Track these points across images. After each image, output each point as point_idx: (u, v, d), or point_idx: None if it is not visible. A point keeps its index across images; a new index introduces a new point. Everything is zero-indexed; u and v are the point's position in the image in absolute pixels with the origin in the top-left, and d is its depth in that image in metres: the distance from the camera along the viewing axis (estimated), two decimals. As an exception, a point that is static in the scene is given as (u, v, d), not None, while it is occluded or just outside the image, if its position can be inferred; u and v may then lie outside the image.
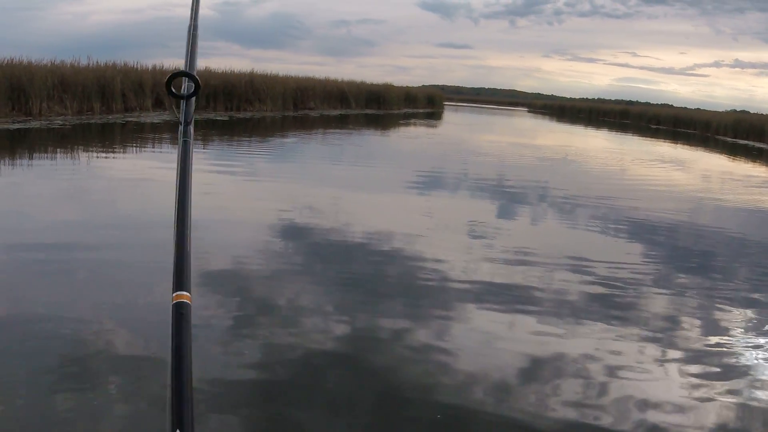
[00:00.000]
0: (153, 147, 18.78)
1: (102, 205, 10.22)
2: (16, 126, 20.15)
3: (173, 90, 1.94)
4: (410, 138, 30.96)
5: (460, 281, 7.14)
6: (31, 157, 15.23)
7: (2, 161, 14.44)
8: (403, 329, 5.75)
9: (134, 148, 18.13)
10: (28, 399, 4.25)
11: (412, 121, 43.21)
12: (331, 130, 29.87)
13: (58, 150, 16.87)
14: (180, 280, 1.44)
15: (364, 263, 7.81)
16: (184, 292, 1.41)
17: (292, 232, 9.02)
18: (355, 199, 12.39)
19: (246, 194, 12.15)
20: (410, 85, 64.31)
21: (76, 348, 4.95)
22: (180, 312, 1.36)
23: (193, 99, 2.00)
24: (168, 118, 26.55)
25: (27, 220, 8.91)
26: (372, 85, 50.98)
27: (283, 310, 6.07)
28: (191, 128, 1.94)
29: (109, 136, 20.80)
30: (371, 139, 28.14)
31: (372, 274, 7.40)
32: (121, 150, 17.47)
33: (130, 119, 25.07)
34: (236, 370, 4.78)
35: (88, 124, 22.57)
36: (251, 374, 4.76)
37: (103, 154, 16.24)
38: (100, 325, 5.45)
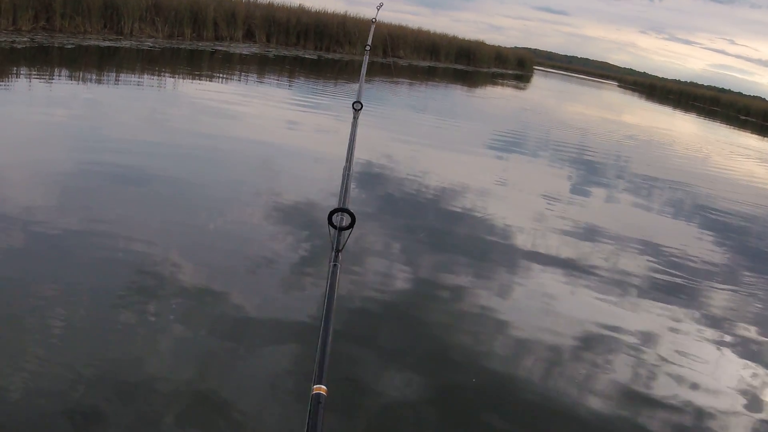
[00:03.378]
0: (239, 79, 18.71)
1: (182, 132, 10.16)
2: (107, 44, 20.26)
3: (333, 222, 2.38)
4: (496, 98, 30.49)
5: (525, 247, 7.02)
6: (117, 77, 15.27)
7: (89, 77, 14.52)
8: (462, 288, 5.67)
9: (221, 78, 18.04)
10: (90, 310, 4.25)
11: (500, 81, 42.65)
12: (418, 81, 29.52)
13: (146, 72, 16.90)
14: (320, 374, 1.62)
15: (433, 218, 7.69)
16: (322, 386, 1.58)
17: (367, 179, 8.82)
18: (432, 153, 12.18)
19: (319, 138, 12.00)
20: (502, 45, 63.29)
21: (141, 267, 4.92)
22: (317, 402, 1.53)
23: (347, 231, 2.38)
24: (257, 51, 26.52)
25: (106, 138, 8.90)
26: (463, 40, 50.29)
27: (351, 253, 5.92)
28: (341, 255, 2.26)
29: (197, 63, 20.82)
30: (456, 95, 27.74)
31: (439, 229, 7.30)
32: (208, 78, 17.40)
33: (219, 48, 25.07)
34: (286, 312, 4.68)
35: (177, 49, 22.63)
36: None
37: (190, 81, 16.21)
38: (168, 248, 5.42)
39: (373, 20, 8.65)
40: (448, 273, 5.94)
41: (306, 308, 4.76)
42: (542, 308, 5.52)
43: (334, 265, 2.20)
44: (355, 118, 4.45)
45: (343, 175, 3.19)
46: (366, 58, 6.31)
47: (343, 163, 3.26)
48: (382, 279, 5.53)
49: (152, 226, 5.93)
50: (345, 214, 2.39)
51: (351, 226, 2.35)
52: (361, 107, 4.58)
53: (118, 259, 5.08)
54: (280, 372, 3.93)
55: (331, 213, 2.37)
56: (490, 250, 6.77)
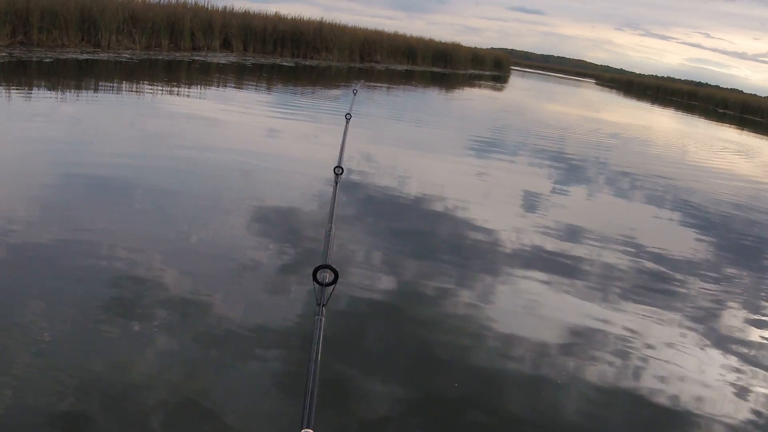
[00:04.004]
0: (218, 87, 18.77)
1: (162, 142, 10.21)
2: (85, 56, 20.29)
3: (317, 278, 2.58)
4: (473, 100, 30.63)
5: (507, 249, 7.02)
6: (96, 89, 15.31)
7: (68, 90, 14.56)
8: (446, 289, 5.70)
9: (199, 88, 18.11)
10: (74, 321, 4.27)
11: (478, 82, 42.83)
12: (395, 85, 29.65)
13: (124, 83, 16.95)
14: (309, 418, 1.76)
15: (416, 220, 7.73)
16: (310, 430, 1.72)
17: (349, 184, 8.92)
18: (411, 157, 12.22)
19: (303, 145, 12.09)
20: (479, 46, 63.57)
21: (125, 278, 4.94)
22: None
23: (332, 287, 2.55)
24: (234, 60, 26.56)
25: (87, 150, 8.95)
26: (440, 43, 50.53)
27: (333, 261, 6.00)
28: (324, 309, 2.42)
29: (175, 74, 20.85)
30: (434, 97, 27.88)
31: (422, 232, 7.32)
32: (186, 88, 17.46)
33: (197, 58, 25.11)
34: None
35: (155, 60, 22.67)
36: (287, 320, 4.72)
37: (168, 92, 16.25)
38: (151, 258, 5.44)
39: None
40: (430, 277, 5.96)
41: (290, 316, 4.78)
42: (525, 310, 5.53)
43: (319, 318, 2.34)
44: (337, 182, 4.58)
45: (326, 234, 3.45)
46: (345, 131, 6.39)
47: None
48: (365, 283, 5.56)
49: (134, 236, 5.94)
50: (328, 270, 2.55)
51: (335, 281, 2.53)
52: (342, 172, 4.70)
53: (101, 269, 5.09)
54: (266, 382, 3.94)
55: (316, 270, 2.53)
56: (472, 253, 6.80)
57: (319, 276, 2.59)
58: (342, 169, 4.60)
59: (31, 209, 6.37)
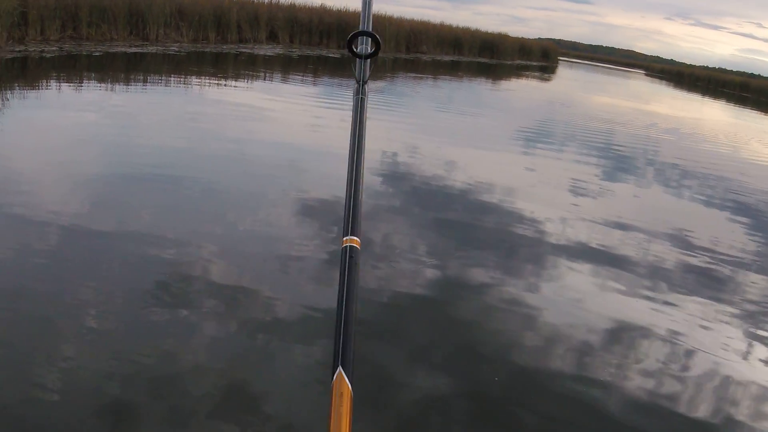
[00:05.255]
0: (264, 79, 18.86)
1: (210, 134, 10.28)
2: (134, 50, 20.49)
3: (354, 48, 2.04)
4: (520, 91, 30.42)
5: (554, 241, 6.97)
6: (145, 81, 15.48)
7: (118, 83, 14.72)
8: (490, 281, 5.67)
9: (246, 79, 18.20)
10: (122, 309, 4.35)
11: (525, 73, 42.47)
12: (442, 76, 29.54)
13: (172, 76, 17.11)
14: (351, 226, 1.53)
15: (461, 211, 7.71)
16: (354, 237, 1.50)
17: (395, 174, 8.91)
18: (458, 148, 12.19)
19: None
20: (526, 36, 62.98)
21: (173, 268, 5.01)
22: (350, 256, 1.46)
23: (370, 60, 2.06)
24: (280, 52, 26.67)
25: (136, 141, 9.04)
26: (486, 33, 50.12)
27: (378, 248, 6.02)
28: (366, 87, 2.01)
29: (222, 66, 20.97)
30: (480, 88, 27.72)
31: (467, 223, 7.28)
32: (233, 80, 17.56)
33: (243, 50, 25.23)
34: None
35: (202, 53, 22.83)
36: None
37: (216, 84, 16.36)
38: (199, 248, 5.51)
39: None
40: (474, 268, 5.93)
41: (335, 303, 4.79)
42: (570, 304, 5.47)
43: (360, 99, 1.98)
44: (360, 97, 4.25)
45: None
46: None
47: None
48: (409, 273, 5.57)
49: (182, 226, 6.03)
50: (366, 37, 2.04)
51: (375, 53, 2.04)
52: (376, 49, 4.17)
53: (150, 257, 5.18)
54: (311, 367, 3.98)
55: (352, 37, 2.03)
56: (518, 244, 6.76)
57: (357, 46, 2.03)
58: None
59: (82, 198, 6.48)
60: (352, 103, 1.96)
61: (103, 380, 3.56)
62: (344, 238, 1.51)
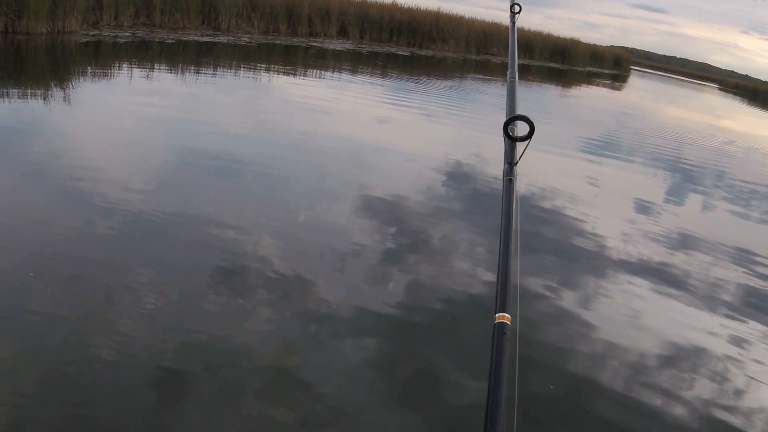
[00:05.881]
0: (333, 73, 18.86)
1: (276, 125, 10.32)
2: (205, 39, 20.68)
3: (509, 132, 2.12)
4: (590, 98, 30.03)
5: (614, 253, 6.83)
6: (215, 70, 15.60)
7: (188, 70, 14.84)
8: (548, 288, 5.60)
9: (315, 73, 18.23)
10: (180, 290, 4.42)
11: (596, 80, 41.97)
12: (511, 79, 29.20)
13: (242, 66, 17.21)
14: (503, 303, 1.58)
15: (522, 216, 7.48)
16: (506, 314, 1.55)
17: (460, 175, 8.80)
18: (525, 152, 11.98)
19: (413, 136, 12.01)
20: (598, 43, 62.19)
21: (232, 253, 5.06)
22: (502, 332, 1.51)
23: (525, 143, 2.09)
24: (350, 48, 26.69)
25: (203, 128, 9.09)
26: (558, 38, 49.61)
27: (435, 253, 5.98)
28: (516, 168, 2.07)
29: (292, 59, 21.05)
30: (550, 94, 27.40)
31: (527, 229, 7.16)
32: (302, 73, 17.60)
33: (313, 44, 25.31)
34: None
35: (272, 45, 22.95)
36: (391, 310, 4.69)
37: (284, 76, 16.44)
38: (258, 235, 5.58)
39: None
40: (532, 274, 5.87)
41: (389, 302, 4.81)
42: (627, 318, 5.38)
43: (509, 180, 2.01)
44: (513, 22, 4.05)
45: (508, 83, 2.79)
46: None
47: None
48: (468, 275, 5.54)
49: (244, 213, 6.09)
50: (522, 121, 2.08)
51: (528, 137, 2.06)
52: (520, 9, 4.14)
53: (211, 242, 5.24)
54: (360, 362, 3.99)
55: (507, 122, 2.11)
56: (577, 254, 6.67)
57: (510, 129, 2.11)
58: (519, 6, 4.01)
59: (148, 179, 6.59)
60: (502, 184, 2.01)
61: (156, 353, 3.65)
62: (496, 315, 1.55)
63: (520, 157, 2.11)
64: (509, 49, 3.13)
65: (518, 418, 1.48)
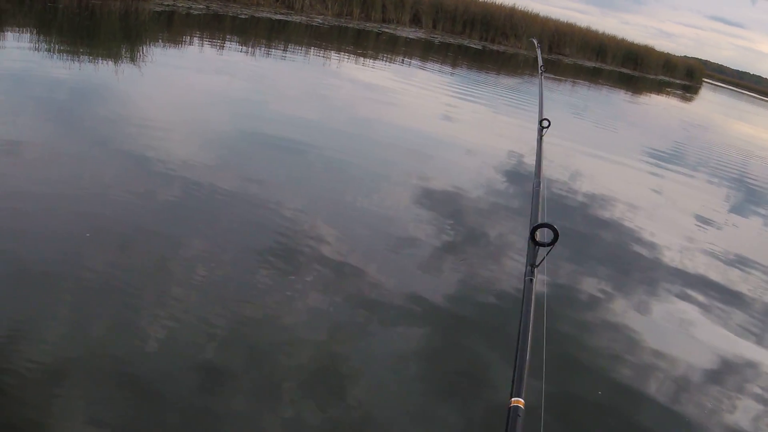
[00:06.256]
0: (403, 61, 18.81)
1: (340, 108, 10.37)
2: (279, 17, 20.77)
3: (536, 237, 2.26)
4: (659, 107, 29.54)
5: (669, 266, 6.69)
6: (285, 49, 15.64)
7: (258, 47, 14.90)
8: (600, 296, 5.52)
9: (384, 59, 18.19)
10: (232, 268, 4.44)
11: (666, 89, 41.29)
12: (581, 81, 28.95)
13: (312, 47, 17.23)
14: (518, 388, 1.68)
15: (579, 221, 7.52)
16: (520, 399, 1.63)
17: (515, 174, 8.71)
18: (586, 154, 11.88)
19: (478, 130, 11.91)
20: (671, 52, 61.11)
21: (286, 233, 5.07)
22: (516, 415, 1.59)
23: (548, 248, 2.23)
24: (422, 36, 26.60)
25: (266, 106, 9.13)
26: (632, 44, 48.89)
27: (489, 249, 5.95)
28: (536, 271, 2.25)
29: (363, 43, 21.06)
30: (619, 99, 27.01)
31: (583, 234, 7.11)
32: (372, 58, 17.58)
33: (385, 30, 25.30)
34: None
35: (345, 28, 22.98)
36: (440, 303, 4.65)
37: (354, 60, 16.42)
38: (314, 218, 5.59)
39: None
40: (586, 278, 5.81)
41: (439, 294, 4.78)
42: (677, 332, 5.29)
43: (530, 280, 2.17)
44: (541, 137, 4.37)
45: (533, 191, 3.17)
46: (540, 81, 5.98)
47: (533, 179, 3.14)
48: (517, 270, 5.44)
49: (301, 194, 6.11)
50: (547, 229, 2.24)
51: (552, 243, 2.21)
52: (549, 125, 4.46)
53: (267, 221, 5.27)
54: (407, 353, 3.97)
55: (535, 227, 2.27)
56: (632, 264, 6.57)
57: (537, 234, 2.26)
58: (549, 122, 4.36)
59: (209, 155, 6.66)
60: (523, 285, 2.18)
61: (204, 324, 3.70)
62: (512, 399, 1.65)
63: (542, 261, 2.28)
64: (535, 161, 3.67)
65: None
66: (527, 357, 1.82)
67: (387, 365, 3.79)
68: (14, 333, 3.30)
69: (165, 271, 4.21)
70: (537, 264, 2.25)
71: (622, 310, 5.35)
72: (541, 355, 2.10)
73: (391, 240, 5.54)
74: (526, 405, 1.61)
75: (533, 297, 2.08)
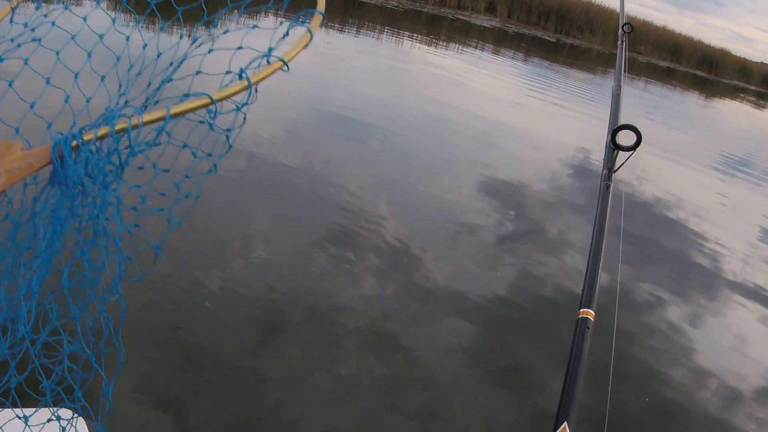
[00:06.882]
0: (475, 49, 18.74)
1: (409, 93, 10.38)
2: (355, -4, 20.83)
3: (616, 140, 2.16)
4: (732, 113, 28.97)
5: (730, 277, 6.58)
6: (358, 30, 15.69)
7: (331, 27, 14.95)
8: (657, 299, 5.46)
9: (457, 46, 18.14)
10: (293, 242, 4.53)
11: (740, 95, 40.45)
12: (654, 81, 28.50)
13: (386, 29, 17.25)
14: (588, 299, 1.69)
15: (641, 222, 7.41)
16: (590, 310, 1.65)
17: (583, 171, 8.64)
18: (653, 154, 11.65)
19: (547, 123, 11.84)
20: (748, 57, 59.80)
21: (347, 214, 5.10)
22: (585, 327, 1.59)
23: (629, 153, 2.13)
24: (496, 25, 26.45)
25: (336, 87, 9.19)
26: (708, 46, 47.96)
27: (548, 247, 5.92)
28: (614, 176, 2.16)
29: (436, 28, 21.01)
30: (691, 102, 26.57)
31: (646, 236, 7.01)
32: (444, 44, 17.54)
33: (460, 17, 25.21)
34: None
35: (419, 12, 22.97)
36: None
37: (426, 44, 16.41)
38: (375, 202, 5.59)
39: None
40: (645, 281, 5.75)
41: (494, 289, 4.79)
42: (732, 345, 5.21)
43: (606, 185, 2.11)
44: (623, 41, 4.17)
45: (613, 95, 2.96)
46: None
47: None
48: (575, 270, 5.45)
49: (365, 177, 6.15)
50: (631, 131, 2.07)
51: (634, 147, 2.08)
52: (632, 29, 4.21)
53: (328, 202, 5.32)
54: (454, 343, 3.99)
55: (616, 129, 2.15)
56: (692, 270, 6.48)
57: (619, 136, 2.13)
58: (631, 26, 4.14)
59: (276, 130, 6.74)
60: (599, 188, 2.12)
61: (261, 296, 3.78)
62: (581, 310, 1.64)
63: (620, 166, 2.16)
64: (617, 65, 3.35)
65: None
66: (599, 267, 1.82)
67: (434, 352, 3.83)
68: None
69: (226, 240, 4.29)
70: (615, 169, 2.17)
71: (677, 316, 5.29)
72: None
73: (450, 228, 5.55)
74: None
75: (609, 202, 2.05)
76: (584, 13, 33.35)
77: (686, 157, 12.60)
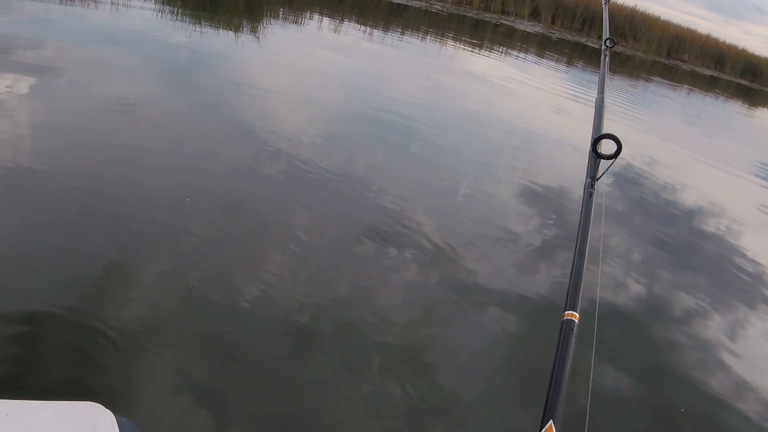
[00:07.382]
0: (518, 54, 18.76)
1: (450, 97, 10.46)
2: (398, 1, 20.92)
3: (597, 149, 2.24)
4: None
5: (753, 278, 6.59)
6: (402, 33, 15.81)
7: (375, 28, 15.09)
8: (695, 309, 5.48)
9: (500, 51, 18.18)
10: (331, 238, 4.54)
11: (786, 105, 39.96)
12: (697, 89, 28.28)
13: (429, 32, 17.34)
14: (573, 302, 1.73)
15: (682, 230, 7.46)
16: (575, 312, 1.69)
17: (623, 178, 8.68)
18: (694, 163, 11.67)
19: (589, 127, 11.82)
20: (794, 67, 58.94)
21: (386, 214, 5.17)
22: (570, 328, 1.64)
23: (610, 161, 2.21)
24: (540, 31, 26.42)
25: (376, 89, 9.32)
26: (753, 55, 47.32)
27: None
28: (597, 184, 2.21)
29: (479, 33, 21.07)
30: (734, 110, 26.28)
31: (686, 243, 7.07)
32: (487, 49, 17.59)
33: (503, 22, 25.22)
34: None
35: (463, 16, 23.03)
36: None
37: (469, 49, 16.47)
38: (414, 203, 5.64)
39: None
40: (683, 291, 5.78)
41: (535, 291, 4.84)
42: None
43: (589, 193, 2.15)
44: (606, 55, 4.37)
45: (596, 105, 3.21)
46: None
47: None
48: (616, 280, 5.50)
49: (404, 178, 6.24)
50: (611, 140, 2.14)
51: (614, 156, 2.15)
52: (614, 45, 4.39)
53: (366, 203, 5.40)
54: (489, 348, 4.04)
55: (597, 139, 2.23)
56: (732, 280, 6.47)
57: (600, 146, 2.22)
58: (612, 41, 4.34)
59: (317, 131, 6.86)
60: (582, 196, 2.17)
61: (297, 295, 3.83)
62: (565, 312, 1.68)
63: (602, 174, 2.23)
64: (599, 77, 3.57)
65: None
66: (583, 271, 1.89)
67: (473, 353, 3.88)
68: (114, 289, 3.47)
69: (262, 239, 4.39)
70: (598, 177, 2.21)
71: (715, 328, 5.30)
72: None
73: (489, 232, 5.61)
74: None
75: (592, 210, 2.10)
76: (628, 20, 33.19)
77: (730, 166, 12.55)
